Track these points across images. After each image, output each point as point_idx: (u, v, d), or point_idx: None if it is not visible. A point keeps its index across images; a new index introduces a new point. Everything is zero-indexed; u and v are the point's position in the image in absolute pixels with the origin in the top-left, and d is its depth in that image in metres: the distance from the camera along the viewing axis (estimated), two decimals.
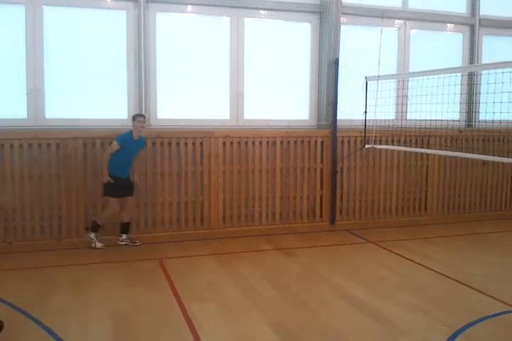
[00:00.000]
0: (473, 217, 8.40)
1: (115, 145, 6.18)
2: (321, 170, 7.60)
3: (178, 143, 6.93)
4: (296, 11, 7.52)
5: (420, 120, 6.90)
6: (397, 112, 7.81)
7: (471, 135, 8.20)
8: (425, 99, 6.45)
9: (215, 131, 7.09)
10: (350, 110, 7.23)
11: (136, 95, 6.94)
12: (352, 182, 7.77)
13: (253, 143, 7.23)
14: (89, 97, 6.81)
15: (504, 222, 8.28)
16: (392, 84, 7.49)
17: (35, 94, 6.57)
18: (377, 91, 6.91)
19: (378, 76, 6.78)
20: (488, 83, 5.47)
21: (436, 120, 6.63)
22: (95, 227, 6.40)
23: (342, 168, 7.68)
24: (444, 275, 5.59)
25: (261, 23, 7.49)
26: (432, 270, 5.77)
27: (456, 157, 7.82)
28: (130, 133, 6.31)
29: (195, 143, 7.00)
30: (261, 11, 7.41)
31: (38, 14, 6.48)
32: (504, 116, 5.69)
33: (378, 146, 7.28)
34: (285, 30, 7.59)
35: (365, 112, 7.04)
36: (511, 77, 5.19)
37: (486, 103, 5.76)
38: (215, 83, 7.34)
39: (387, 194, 7.99)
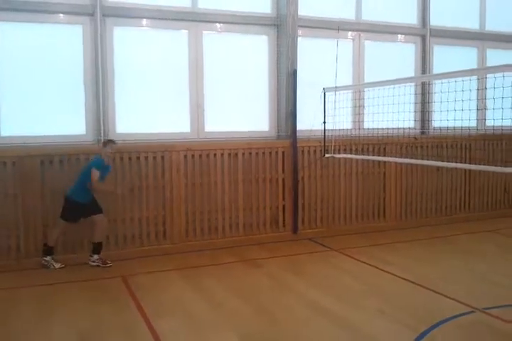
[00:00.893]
0: (430, 221, 8.64)
1: (97, 173, 6.03)
2: (283, 180, 7.67)
3: (138, 158, 6.86)
4: (254, 24, 7.61)
5: (377, 129, 7.09)
6: (354, 122, 7.99)
7: (425, 142, 8.46)
8: (381, 108, 6.63)
9: (176, 145, 7.06)
10: (309, 120, 7.35)
11: (94, 110, 6.84)
12: (313, 191, 7.87)
13: (214, 155, 7.23)
14: (45, 113, 6.66)
15: (459, 225, 8.55)
16: (349, 94, 7.67)
17: None
18: (335, 101, 7.05)
19: (336, 87, 6.92)
20: (441, 92, 5.67)
21: (392, 128, 6.83)
22: (48, 250, 6.27)
23: (303, 178, 7.77)
24: (405, 279, 5.73)
25: (219, 36, 7.54)
26: (393, 275, 5.91)
27: (411, 164, 8.03)
28: (102, 159, 6.20)
29: (156, 158, 6.94)
30: (218, 24, 7.47)
31: None
32: (456, 124, 5.92)
33: (337, 155, 7.42)
34: (243, 42, 7.66)
35: (324, 122, 7.16)
36: (463, 85, 5.41)
37: (440, 111, 5.98)
38: (175, 96, 7.32)
39: (348, 201, 8.13)
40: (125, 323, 4.62)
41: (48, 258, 6.25)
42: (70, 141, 6.69)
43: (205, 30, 7.41)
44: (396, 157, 7.96)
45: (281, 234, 7.66)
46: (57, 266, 6.23)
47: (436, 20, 8.83)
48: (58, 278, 5.88)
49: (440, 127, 7.77)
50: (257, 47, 7.77)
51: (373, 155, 8.01)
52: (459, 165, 7.10)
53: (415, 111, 8.22)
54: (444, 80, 5.75)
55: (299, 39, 7.69)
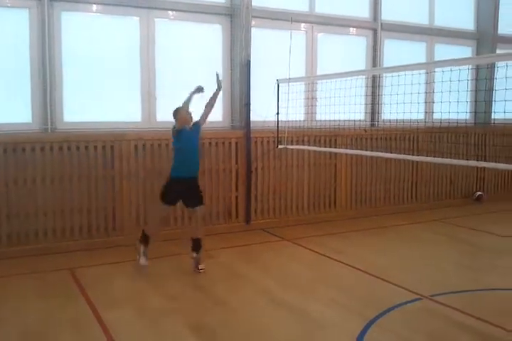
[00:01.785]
0: (380, 211, 8.85)
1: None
2: (236, 171, 7.65)
3: (87, 147, 6.66)
4: (207, 13, 7.51)
5: (329, 120, 7.18)
6: (306, 113, 8.06)
7: (375, 134, 8.64)
8: (333, 100, 6.71)
9: (126, 134, 6.90)
10: (263, 111, 7.35)
11: (41, 98, 6.58)
12: (266, 182, 7.90)
13: (166, 145, 7.12)
14: None
15: (407, 214, 8.81)
16: (302, 86, 7.72)
17: None
18: (288, 93, 7.08)
19: (289, 78, 6.94)
20: (391, 85, 5.79)
21: (343, 120, 6.93)
22: (144, 239, 5.75)
23: (256, 169, 7.78)
24: (355, 267, 5.86)
25: (172, 23, 7.40)
26: (344, 263, 6.03)
27: (362, 155, 8.20)
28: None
29: (105, 147, 6.76)
30: (170, 12, 7.32)
31: None
32: (404, 116, 6.06)
33: (290, 146, 7.47)
34: (196, 31, 7.55)
35: (278, 113, 7.19)
36: (412, 79, 5.54)
37: (390, 104, 6.11)
38: (126, 84, 7.14)
39: (300, 192, 8.21)
40: (73, 317, 4.50)
41: (142, 248, 5.74)
42: (14, 129, 6.41)
43: (157, 17, 7.25)
44: (347, 148, 8.11)
45: (234, 225, 7.66)
46: (143, 261, 5.68)
47: (387, 15, 8.99)
48: (0, 272, 5.64)
49: (390, 120, 7.94)
50: (211, 36, 7.68)
51: (325, 147, 8.12)
52: (407, 157, 7.30)
53: (366, 104, 8.36)
54: (393, 73, 5.88)
55: (253, 29, 7.66)
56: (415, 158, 7.42)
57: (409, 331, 4.21)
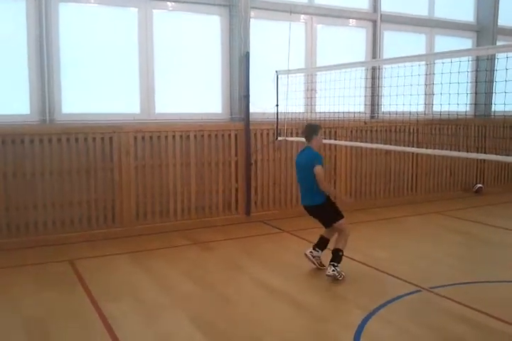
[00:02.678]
0: (379, 203, 8.85)
1: (322, 170, 5.28)
2: (236, 163, 7.64)
3: (85, 139, 6.65)
4: (205, 4, 7.45)
5: (328, 112, 7.15)
6: (306, 105, 8.03)
7: (375, 126, 8.62)
8: (333, 92, 6.69)
9: (125, 126, 6.87)
10: (262, 103, 7.32)
11: (39, 89, 6.55)
12: (266, 174, 7.89)
13: (166, 137, 7.10)
14: None
15: (406, 206, 8.81)
16: (301, 77, 7.68)
17: None
18: (287, 84, 7.05)
19: (288, 70, 6.91)
20: (391, 76, 5.76)
21: (342, 112, 6.91)
22: (341, 257, 5.30)
23: (256, 161, 7.77)
24: (354, 260, 5.86)
25: (170, 15, 7.35)
26: (344, 255, 6.01)
27: (361, 147, 8.18)
28: (311, 149, 5.41)
29: (104, 139, 6.74)
30: (169, 3, 7.27)
31: None
32: (404, 108, 6.04)
33: (290, 138, 7.45)
34: (195, 22, 7.50)
35: (277, 105, 7.16)
36: (412, 70, 5.51)
37: (390, 96, 6.08)
38: (124, 76, 7.10)
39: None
40: (73, 308, 4.51)
41: (339, 268, 5.22)
42: (13, 120, 6.39)
43: (155, 8, 7.20)
44: (346, 140, 8.09)
45: (234, 217, 7.66)
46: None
47: (387, 6, 8.94)
48: (1, 263, 5.64)
49: (389, 111, 7.93)
50: (210, 27, 7.63)
51: (324, 139, 8.07)
52: (407, 149, 7.29)
53: (365, 96, 8.34)
54: (393, 65, 5.85)
55: (252, 21, 7.61)
56: (415, 150, 7.42)
57: (409, 323, 4.22)
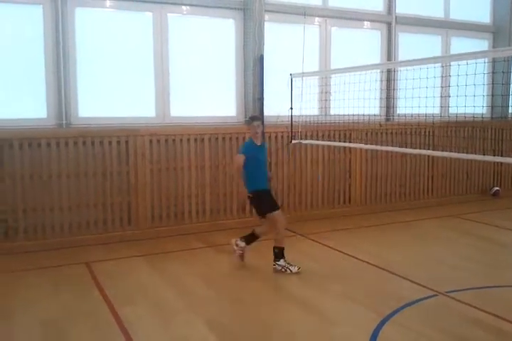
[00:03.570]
0: (394, 206, 8.79)
1: (240, 157, 5.55)
2: None
3: (101, 142, 6.71)
4: (220, 7, 7.49)
5: (343, 115, 7.12)
6: (321, 108, 8.02)
7: (390, 128, 8.56)
8: (347, 94, 6.65)
9: (141, 129, 6.93)
10: (276, 106, 7.31)
11: (56, 93, 6.63)
12: (280, 177, 7.88)
13: (181, 140, 7.14)
14: (5, 97, 6.41)
15: (421, 210, 8.74)
16: (315, 80, 7.67)
17: None
18: (302, 87, 7.04)
19: (303, 73, 6.90)
20: (406, 79, 5.72)
21: (357, 115, 6.87)
22: (280, 253, 5.58)
23: (270, 164, 7.74)
24: (369, 263, 5.82)
25: (185, 18, 7.39)
26: (357, 259, 6.00)
27: (376, 150, 8.13)
28: (251, 140, 5.72)
29: (120, 142, 6.80)
30: (183, 7, 7.31)
31: None
32: (420, 110, 5.99)
33: (304, 141, 7.43)
34: (209, 26, 7.54)
35: (291, 108, 7.14)
36: (427, 72, 5.46)
37: (405, 98, 6.03)
38: (140, 80, 7.16)
39: (314, 187, 8.18)
40: (89, 311, 4.54)
41: (282, 261, 5.54)
42: (30, 124, 6.47)
43: (170, 12, 7.25)
44: (361, 143, 8.04)
45: (248, 220, 7.64)
46: (295, 269, 5.49)
47: (402, 8, 8.89)
48: (18, 266, 5.73)
49: (405, 114, 7.85)
50: (224, 31, 7.66)
51: (339, 142, 8.07)
52: (422, 152, 7.23)
53: (380, 98, 8.29)
54: (408, 67, 5.80)
55: (266, 24, 7.62)
56: (431, 152, 7.34)
57: (425, 327, 4.18)
